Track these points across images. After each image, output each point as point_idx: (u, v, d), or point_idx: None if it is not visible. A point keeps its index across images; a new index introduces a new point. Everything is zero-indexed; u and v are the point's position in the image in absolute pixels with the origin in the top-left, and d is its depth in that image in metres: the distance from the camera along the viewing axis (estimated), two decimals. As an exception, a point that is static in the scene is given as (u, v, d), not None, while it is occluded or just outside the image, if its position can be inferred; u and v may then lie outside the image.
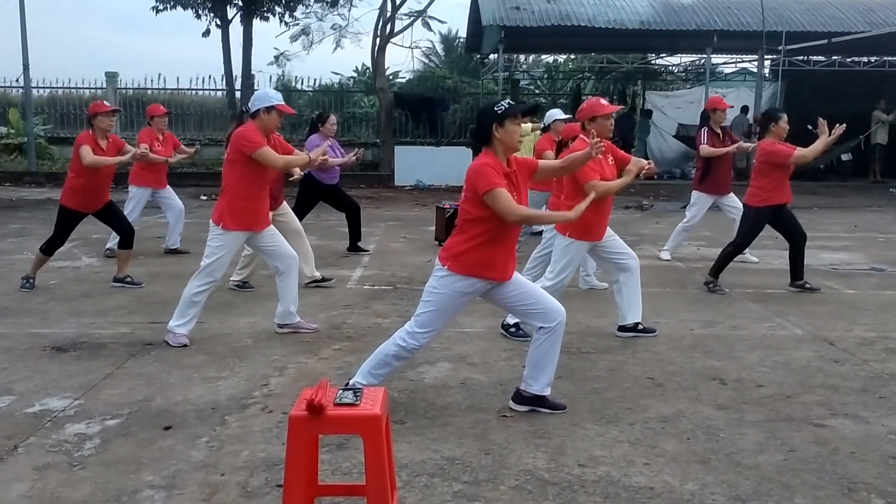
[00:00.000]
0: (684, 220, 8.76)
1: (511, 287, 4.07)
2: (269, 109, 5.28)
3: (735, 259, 7.42)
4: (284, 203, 7.13)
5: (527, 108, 4.03)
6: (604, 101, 5.48)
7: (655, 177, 18.61)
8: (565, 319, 4.12)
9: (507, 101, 4.00)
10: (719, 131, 8.38)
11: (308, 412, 2.69)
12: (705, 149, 8.26)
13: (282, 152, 5.53)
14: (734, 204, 8.27)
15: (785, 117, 6.95)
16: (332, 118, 8.48)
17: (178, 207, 8.91)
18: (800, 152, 6.75)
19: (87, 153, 6.65)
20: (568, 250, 5.44)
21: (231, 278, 7.03)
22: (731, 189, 8.44)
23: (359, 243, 9.18)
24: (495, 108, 3.91)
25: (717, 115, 8.36)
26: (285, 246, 5.65)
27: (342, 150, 8.70)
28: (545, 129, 9.41)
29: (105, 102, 7.16)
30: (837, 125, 7.04)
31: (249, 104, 5.45)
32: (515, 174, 3.98)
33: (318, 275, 7.25)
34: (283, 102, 5.37)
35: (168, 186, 8.90)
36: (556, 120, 9.12)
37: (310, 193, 8.55)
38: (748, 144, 8.62)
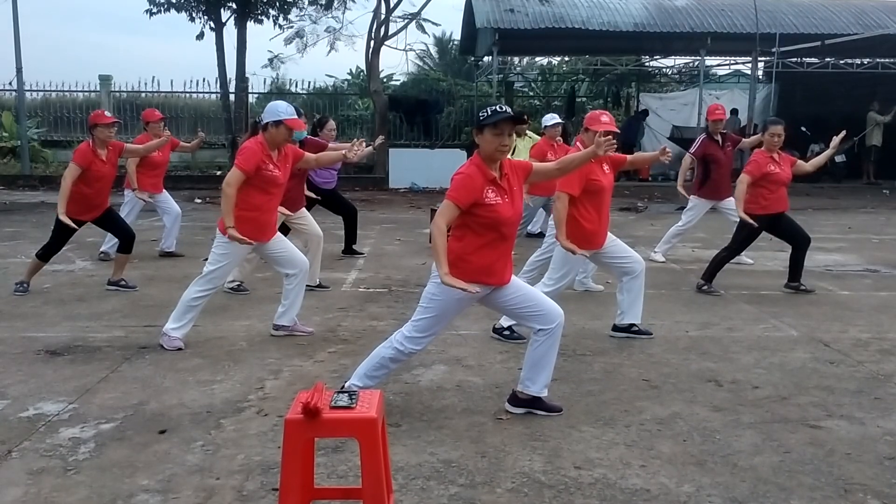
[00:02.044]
0: (679, 224, 8.77)
1: (509, 290, 4.06)
2: (276, 124, 5.24)
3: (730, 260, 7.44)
4: (304, 208, 7.13)
5: (501, 119, 3.79)
6: (605, 118, 5.33)
7: (650, 178, 18.75)
8: (563, 321, 4.12)
9: (497, 107, 3.90)
10: (718, 138, 8.42)
11: (304, 415, 2.68)
12: (686, 160, 8.66)
13: (294, 160, 5.54)
14: (733, 207, 8.29)
15: (774, 128, 6.95)
16: (331, 123, 8.46)
17: (175, 211, 8.90)
18: (741, 188, 6.83)
19: (68, 175, 6.63)
20: (568, 258, 5.43)
21: (227, 281, 7.02)
22: (730, 193, 8.45)
23: (353, 246, 9.17)
24: (479, 114, 3.90)
25: (711, 125, 8.44)
26: (294, 251, 5.64)
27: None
28: (541, 136, 9.47)
29: (105, 113, 7.13)
30: (835, 140, 7.13)
31: (262, 115, 5.40)
32: (507, 178, 3.96)
33: (315, 282, 7.24)
34: (292, 116, 5.29)
35: (164, 191, 8.91)
36: (546, 126, 9.17)
37: (308, 199, 8.53)
38: (752, 143, 8.70)
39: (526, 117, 8.67)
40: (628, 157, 5.76)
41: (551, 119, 9.29)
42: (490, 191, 3.87)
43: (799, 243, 7.19)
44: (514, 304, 4.10)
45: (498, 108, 3.87)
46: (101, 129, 6.80)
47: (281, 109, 5.29)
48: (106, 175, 6.86)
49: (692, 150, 8.51)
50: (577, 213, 5.29)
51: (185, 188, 15.58)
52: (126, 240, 7.11)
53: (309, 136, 7.46)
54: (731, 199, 8.37)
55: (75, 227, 6.67)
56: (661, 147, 5.47)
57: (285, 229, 7.67)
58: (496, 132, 3.82)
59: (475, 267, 3.91)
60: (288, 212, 6.67)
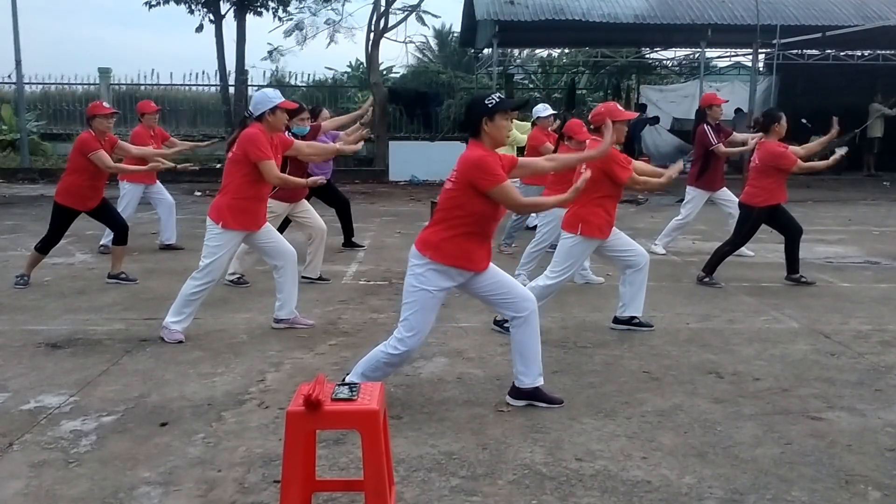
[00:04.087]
0: (678, 217, 8.75)
1: (486, 277, 4.06)
2: (273, 111, 5.28)
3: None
4: (304, 200, 7.13)
5: (517, 105, 4.01)
6: (620, 107, 5.39)
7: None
8: (537, 307, 4.13)
9: (499, 94, 3.97)
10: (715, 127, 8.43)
11: (305, 407, 2.68)
12: (721, 148, 8.30)
13: (283, 149, 5.58)
14: (728, 198, 8.34)
15: (784, 117, 7.05)
16: (325, 113, 8.45)
17: (169, 202, 8.89)
18: (801, 164, 6.85)
19: (106, 160, 6.72)
20: (574, 250, 5.43)
21: (227, 273, 7.02)
22: (724, 183, 8.49)
23: (353, 239, 9.16)
24: (486, 102, 3.89)
25: (713, 112, 8.41)
26: (282, 242, 5.65)
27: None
28: (532, 125, 9.38)
29: (104, 104, 7.17)
30: (834, 125, 7.14)
31: (251, 108, 5.41)
32: (502, 166, 3.99)
33: (317, 275, 7.25)
34: (283, 99, 5.38)
35: (158, 182, 8.89)
36: (539, 117, 9.09)
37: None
38: (743, 139, 8.62)
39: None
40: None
41: (544, 109, 9.20)
42: None
43: (792, 234, 7.18)
44: (489, 290, 4.09)
45: (501, 95, 3.96)
46: (99, 119, 6.82)
47: (272, 95, 5.37)
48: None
49: (715, 140, 8.29)
50: (605, 202, 5.35)
51: (185, 181, 15.54)
52: (120, 232, 7.12)
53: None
54: (725, 188, 8.41)
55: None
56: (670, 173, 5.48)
57: (286, 222, 7.68)
58: (507, 118, 3.89)
59: (457, 251, 3.91)
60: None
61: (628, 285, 5.64)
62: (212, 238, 5.34)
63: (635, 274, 5.60)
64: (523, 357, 4.12)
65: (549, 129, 9.06)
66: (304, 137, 7.11)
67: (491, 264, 4.13)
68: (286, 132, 7.01)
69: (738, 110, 18.46)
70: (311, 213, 7.15)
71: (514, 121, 9.92)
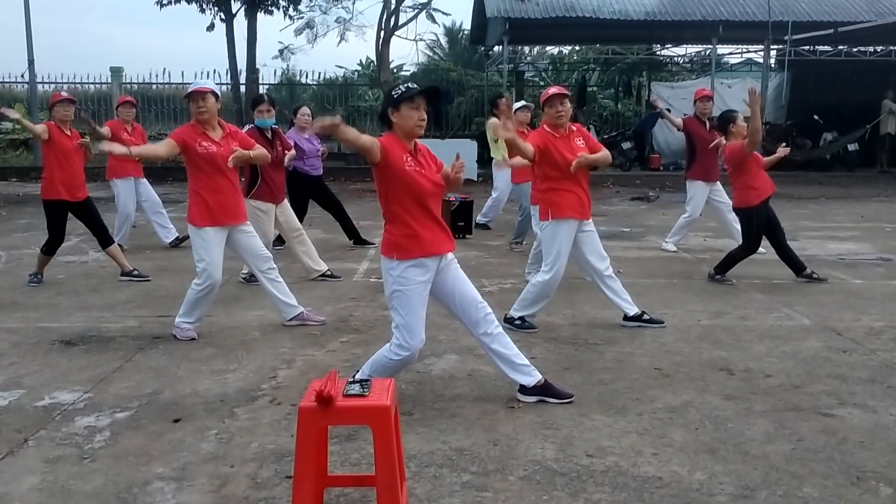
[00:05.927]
0: (685, 215, 8.71)
1: (455, 280, 4.07)
2: (186, 100, 5.38)
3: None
4: (285, 200, 7.14)
5: (420, 91, 3.89)
6: (552, 90, 5.49)
7: (661, 168, 18.65)
8: (491, 317, 4.13)
9: (409, 84, 3.96)
10: (705, 121, 8.46)
11: (318, 403, 2.70)
12: (679, 122, 8.73)
13: (246, 147, 5.52)
14: (722, 199, 8.30)
15: (741, 116, 7.03)
16: (304, 109, 8.41)
17: (154, 202, 8.92)
18: (750, 146, 6.76)
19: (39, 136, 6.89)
20: (555, 237, 5.39)
21: (241, 271, 7.06)
22: (719, 177, 8.43)
23: (362, 236, 9.12)
24: (392, 92, 3.92)
25: (698, 106, 8.51)
26: (259, 247, 5.61)
27: (320, 142, 8.65)
28: None
29: (62, 93, 7.28)
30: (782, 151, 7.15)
31: None
32: (422, 153, 4.00)
33: (324, 268, 7.26)
34: (196, 86, 5.37)
35: (145, 180, 8.94)
36: (516, 110, 9.01)
37: (300, 189, 8.40)
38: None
39: (504, 99, 8.56)
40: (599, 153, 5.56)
41: (517, 103, 9.17)
42: (409, 159, 3.89)
43: (776, 236, 7.09)
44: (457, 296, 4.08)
45: (410, 85, 3.94)
46: (57, 107, 7.00)
47: (190, 86, 5.45)
48: (73, 150, 6.98)
49: (681, 118, 8.77)
50: (561, 185, 5.33)
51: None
52: (101, 234, 7.20)
53: (275, 126, 7.26)
54: (720, 186, 8.38)
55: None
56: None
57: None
58: (413, 107, 3.86)
59: (415, 243, 3.89)
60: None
61: (608, 293, 5.59)
62: (193, 241, 5.37)
63: (604, 280, 5.54)
64: (510, 365, 4.17)
65: (525, 123, 8.87)
66: (272, 132, 7.04)
67: (458, 272, 4.11)
68: (251, 125, 7.03)
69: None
70: (288, 213, 7.17)
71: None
